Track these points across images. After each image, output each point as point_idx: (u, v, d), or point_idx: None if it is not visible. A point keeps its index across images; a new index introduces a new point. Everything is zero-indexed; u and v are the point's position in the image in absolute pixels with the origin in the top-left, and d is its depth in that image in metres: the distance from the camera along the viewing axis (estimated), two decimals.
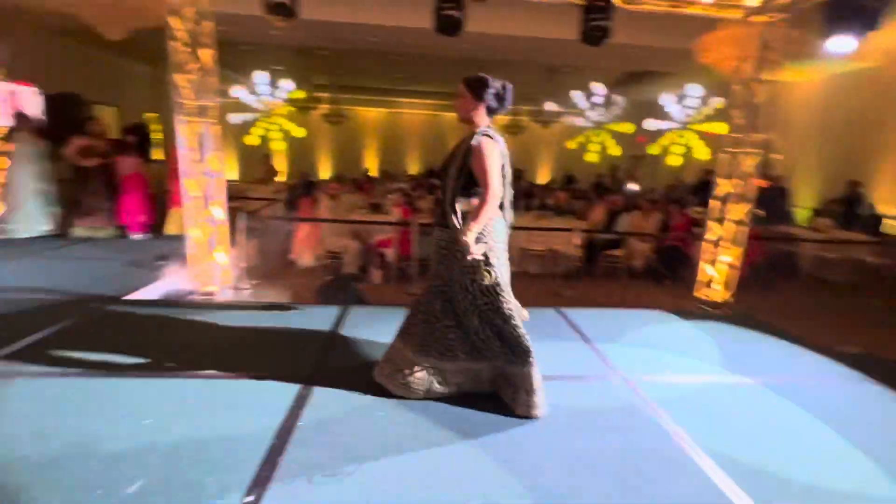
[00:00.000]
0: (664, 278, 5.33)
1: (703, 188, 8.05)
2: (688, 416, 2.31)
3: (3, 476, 1.66)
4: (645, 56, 8.34)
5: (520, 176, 11.07)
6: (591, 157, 11.06)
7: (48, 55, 8.95)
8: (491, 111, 2.15)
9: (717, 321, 3.82)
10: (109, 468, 1.73)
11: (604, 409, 2.36)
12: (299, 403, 2.22)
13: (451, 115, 17.10)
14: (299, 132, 10.95)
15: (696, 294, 4.39)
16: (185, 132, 3.97)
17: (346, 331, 3.12)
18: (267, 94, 9.77)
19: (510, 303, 2.19)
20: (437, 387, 2.27)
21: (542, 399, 2.21)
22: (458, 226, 2.11)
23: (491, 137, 2.09)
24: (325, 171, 14.96)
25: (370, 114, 16.15)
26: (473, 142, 2.08)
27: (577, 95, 9.88)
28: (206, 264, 4.13)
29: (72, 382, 2.33)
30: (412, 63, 10.42)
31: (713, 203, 4.27)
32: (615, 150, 11.03)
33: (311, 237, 5.62)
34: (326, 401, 2.27)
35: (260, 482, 1.70)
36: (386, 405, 2.25)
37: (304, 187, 7.99)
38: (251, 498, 1.62)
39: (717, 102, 7.63)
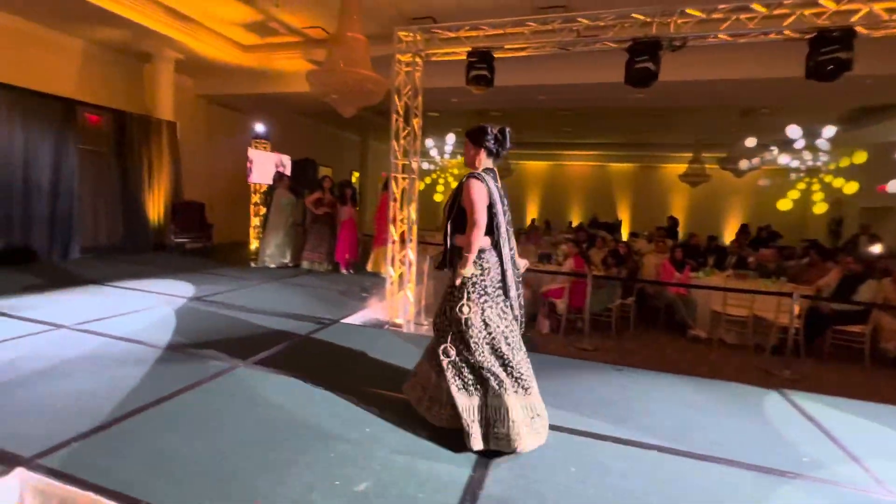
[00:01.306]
0: None
1: None
2: None
3: (264, 453, 2.11)
4: (886, 87, 6.82)
5: (752, 231, 9.87)
6: (785, 204, 9.30)
7: (294, 130, 11.92)
8: (492, 154, 2.40)
9: None
10: (343, 464, 2.05)
11: None
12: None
13: (617, 166, 16.41)
14: None
15: None
16: (394, 186, 4.74)
17: None
18: (447, 153, 11.05)
19: (487, 336, 2.26)
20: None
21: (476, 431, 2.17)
22: (453, 255, 2.36)
23: (478, 178, 2.29)
24: None
25: (533, 166, 16.72)
26: (465, 181, 2.31)
27: (785, 137, 8.50)
28: (398, 299, 4.71)
29: (303, 382, 2.85)
30: (579, 117, 10.52)
31: None
32: (821, 207, 9.13)
33: None
34: None
35: None
36: (570, 458, 2.17)
37: None
38: None
39: None
